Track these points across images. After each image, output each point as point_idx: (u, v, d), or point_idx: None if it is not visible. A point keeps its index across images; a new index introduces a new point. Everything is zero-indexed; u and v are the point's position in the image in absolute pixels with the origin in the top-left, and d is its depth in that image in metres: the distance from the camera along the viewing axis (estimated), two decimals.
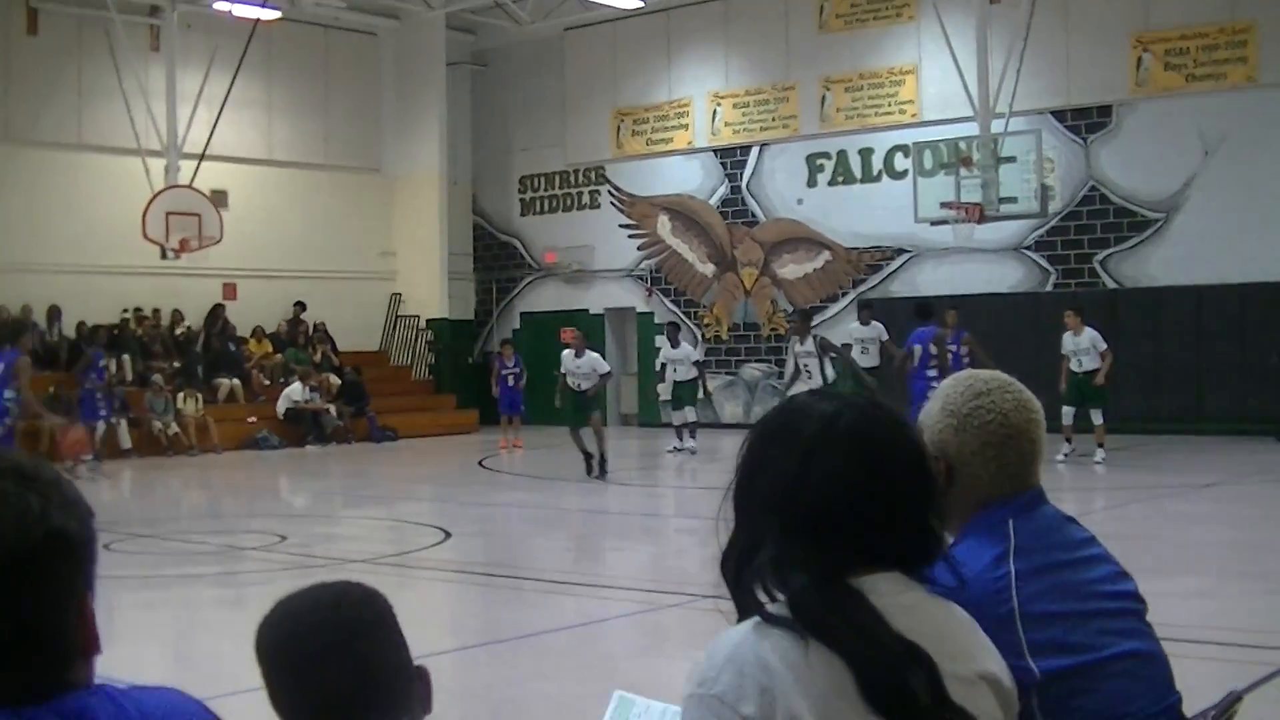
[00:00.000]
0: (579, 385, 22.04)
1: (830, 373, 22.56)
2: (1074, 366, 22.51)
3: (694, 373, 26.97)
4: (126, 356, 29.80)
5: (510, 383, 28.85)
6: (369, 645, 2.35)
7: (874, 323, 25.92)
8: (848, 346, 25.46)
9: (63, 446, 24.45)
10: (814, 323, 25.47)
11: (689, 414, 26.74)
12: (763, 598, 2.33)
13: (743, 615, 2.36)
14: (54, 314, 29.88)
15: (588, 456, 21.83)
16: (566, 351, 22.62)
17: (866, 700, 2.20)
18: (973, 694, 2.35)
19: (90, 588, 1.77)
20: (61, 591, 1.70)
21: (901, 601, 2.32)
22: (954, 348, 22.44)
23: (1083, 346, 22.53)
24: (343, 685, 2.31)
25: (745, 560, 2.37)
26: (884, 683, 2.21)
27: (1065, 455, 22.08)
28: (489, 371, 30.46)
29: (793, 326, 26.36)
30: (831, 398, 2.48)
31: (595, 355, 22.33)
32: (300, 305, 33.71)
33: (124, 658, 1.99)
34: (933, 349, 22.42)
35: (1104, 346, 22.50)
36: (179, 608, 12.67)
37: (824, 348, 22.77)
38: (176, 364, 30.46)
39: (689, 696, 2.29)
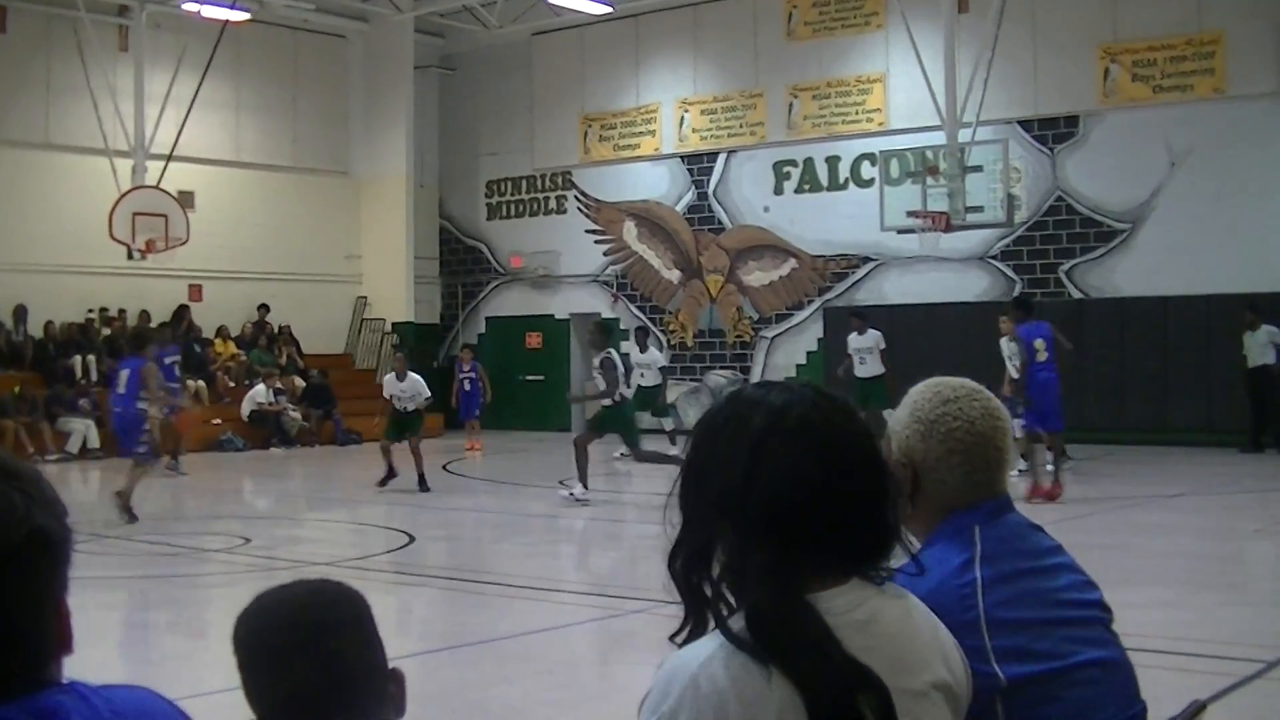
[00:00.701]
0: (405, 407, 22.22)
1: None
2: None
3: (660, 379, 26.90)
4: (92, 357, 29.66)
5: (467, 387, 29.00)
6: (341, 644, 2.35)
7: (871, 331, 25.38)
8: (848, 359, 25.27)
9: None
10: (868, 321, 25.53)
11: (665, 423, 26.82)
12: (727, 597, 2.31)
13: (692, 619, 2.34)
14: (20, 313, 29.74)
15: (390, 471, 21.67)
16: (389, 375, 23.01)
17: None
18: (924, 707, 2.34)
19: (65, 587, 1.77)
20: (40, 590, 1.71)
21: (856, 618, 2.29)
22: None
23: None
24: (312, 682, 2.31)
25: (695, 562, 2.33)
26: (834, 709, 2.18)
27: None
28: (450, 377, 30.43)
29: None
30: (780, 389, 2.41)
31: (417, 378, 22.41)
32: (265, 308, 33.63)
33: (85, 659, 1.98)
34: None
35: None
36: (141, 609, 12.62)
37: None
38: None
39: None
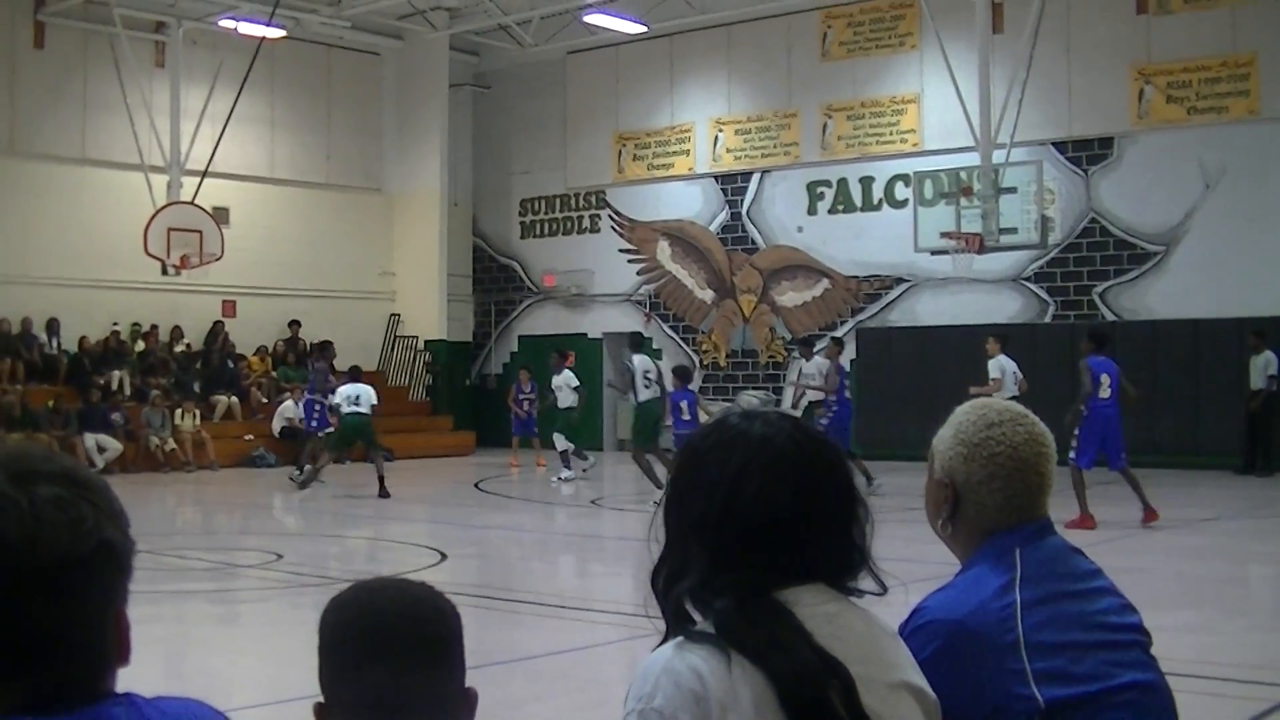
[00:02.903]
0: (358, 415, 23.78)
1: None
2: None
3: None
4: (119, 372, 29.74)
5: (525, 406, 29.13)
6: (422, 662, 2.33)
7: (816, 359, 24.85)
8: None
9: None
10: (815, 348, 25.33)
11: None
12: (695, 616, 2.40)
13: (671, 633, 2.42)
14: (53, 327, 29.89)
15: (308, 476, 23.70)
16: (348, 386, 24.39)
17: (787, 715, 2.25)
18: (895, 699, 2.41)
19: (126, 599, 1.78)
20: (104, 601, 1.73)
21: (825, 610, 2.39)
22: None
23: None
24: (383, 693, 2.30)
25: (673, 581, 2.45)
26: (803, 698, 2.26)
27: None
28: (505, 394, 30.47)
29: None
30: (761, 420, 2.52)
31: (368, 388, 24.20)
32: (296, 324, 33.70)
33: (120, 673, 2.01)
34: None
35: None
36: (174, 624, 12.65)
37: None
38: (174, 380, 30.45)
39: (629, 714, 2.34)
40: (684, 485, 2.51)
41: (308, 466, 25.03)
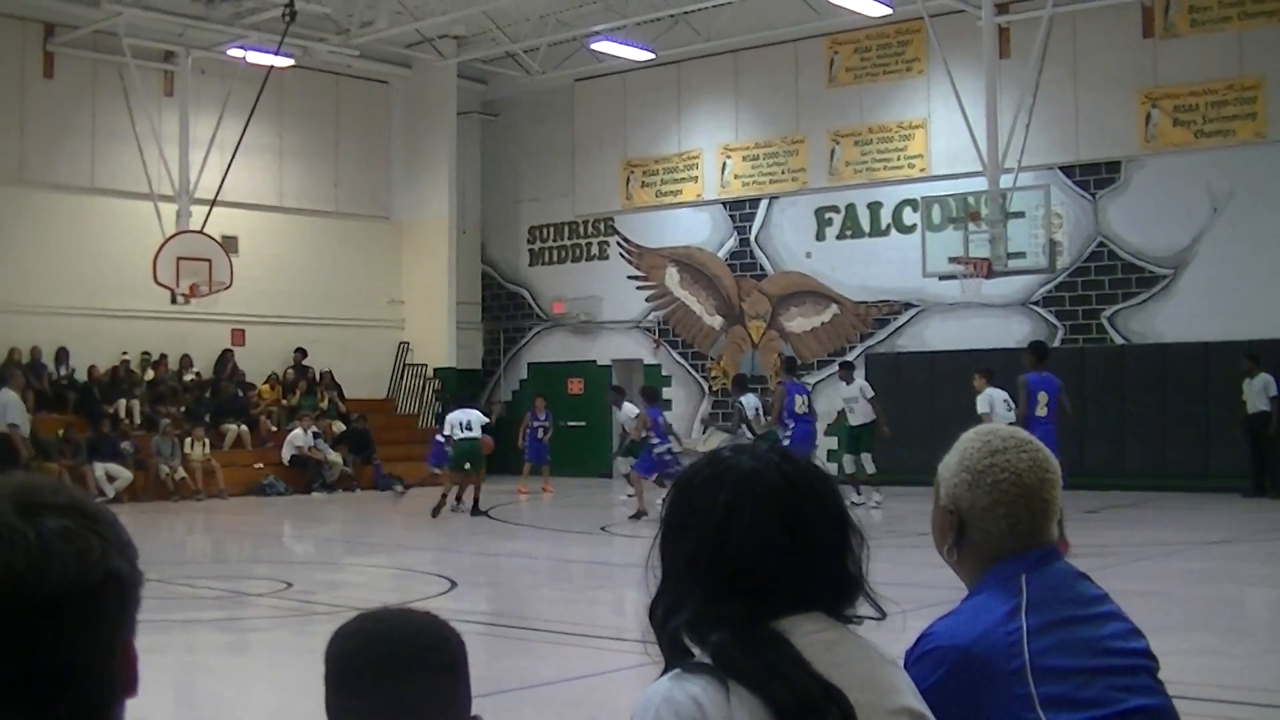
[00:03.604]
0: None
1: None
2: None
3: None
4: (129, 400, 29.78)
5: (540, 435, 29.48)
6: (426, 691, 2.34)
7: (857, 380, 26.16)
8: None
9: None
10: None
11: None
12: (693, 649, 2.40)
13: (669, 666, 2.43)
14: (61, 356, 29.94)
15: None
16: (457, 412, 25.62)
17: None
18: None
19: (134, 629, 1.79)
20: (111, 632, 1.72)
21: (824, 638, 2.39)
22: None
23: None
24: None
25: (669, 615, 2.46)
26: None
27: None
28: (518, 422, 30.59)
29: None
30: (751, 455, 2.53)
31: (477, 413, 25.75)
32: (301, 352, 33.70)
33: (130, 703, 2.02)
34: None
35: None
36: (183, 652, 12.64)
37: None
38: (184, 408, 30.48)
39: None
40: (676, 521, 2.52)
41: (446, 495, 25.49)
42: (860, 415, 25.49)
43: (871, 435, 25.35)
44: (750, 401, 25.28)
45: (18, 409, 22.80)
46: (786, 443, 21.94)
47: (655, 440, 24.20)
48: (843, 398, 26.15)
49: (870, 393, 25.56)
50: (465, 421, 25.06)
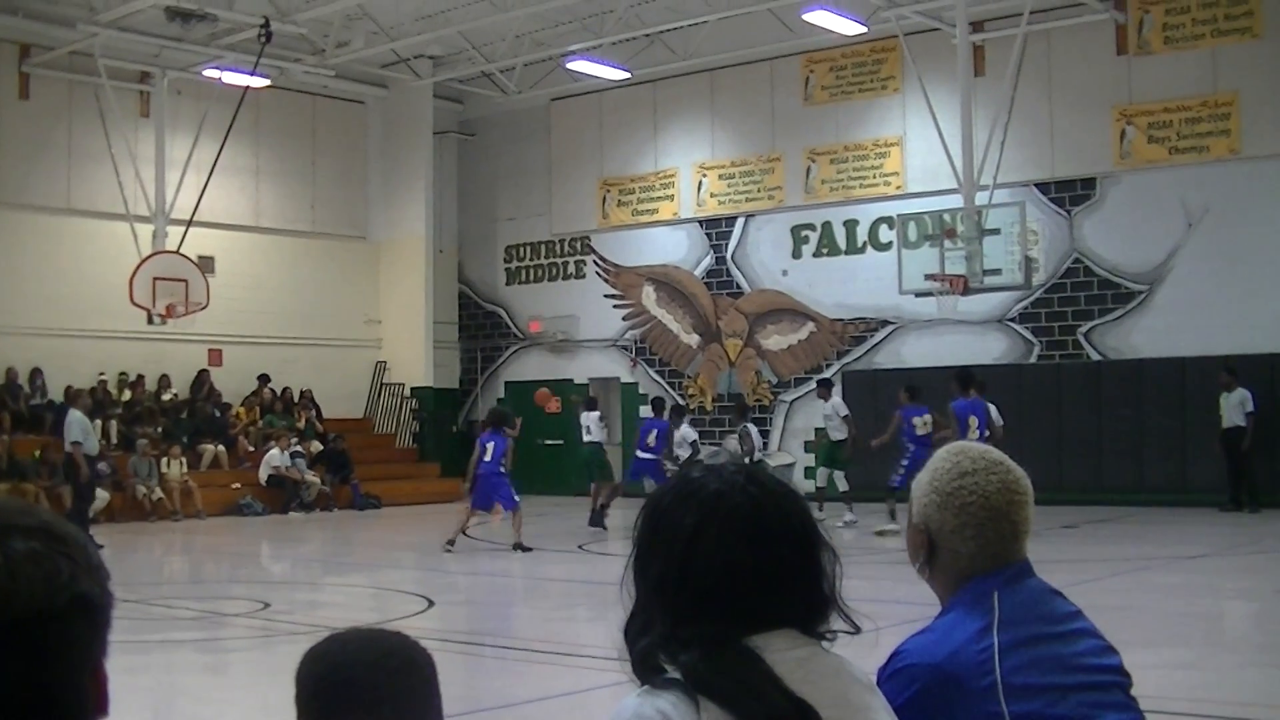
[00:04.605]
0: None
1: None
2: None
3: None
4: (104, 421, 29.68)
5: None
6: (398, 713, 2.34)
7: (834, 398, 26.16)
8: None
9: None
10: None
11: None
12: (666, 667, 2.39)
13: (643, 685, 2.41)
14: (36, 377, 29.84)
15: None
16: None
17: None
18: None
19: (105, 652, 1.78)
20: (80, 655, 1.71)
21: (796, 655, 2.38)
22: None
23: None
24: None
25: (641, 635, 2.45)
26: None
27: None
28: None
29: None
30: (717, 476, 2.51)
31: (593, 414, 26.22)
32: (265, 377, 33.49)
33: None
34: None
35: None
36: (161, 673, 12.60)
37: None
38: (161, 429, 30.40)
39: None
40: (645, 543, 2.51)
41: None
42: (837, 432, 25.57)
43: (841, 452, 25.45)
44: (753, 429, 25.91)
45: (81, 427, 22.94)
46: (904, 466, 22.25)
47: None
48: (823, 415, 26.29)
49: (844, 411, 25.60)
50: (587, 425, 26.02)
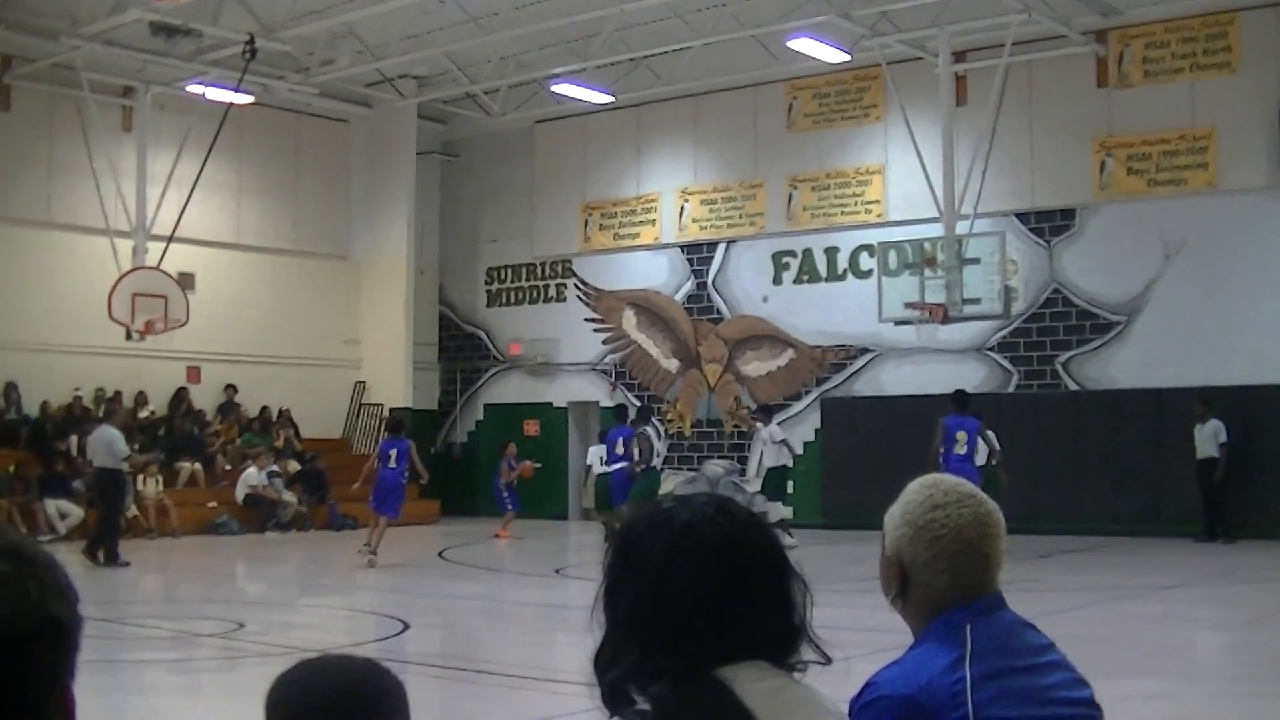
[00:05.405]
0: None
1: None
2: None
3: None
4: (80, 437, 29.54)
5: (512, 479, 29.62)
6: None
7: (774, 425, 26.80)
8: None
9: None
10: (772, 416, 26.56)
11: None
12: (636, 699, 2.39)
13: (612, 715, 2.42)
14: (12, 391, 29.70)
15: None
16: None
17: None
18: None
19: (73, 675, 1.76)
20: (48, 678, 1.69)
21: (766, 687, 2.38)
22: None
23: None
24: None
25: (611, 665, 2.45)
26: None
27: None
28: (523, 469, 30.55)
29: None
30: (686, 507, 2.51)
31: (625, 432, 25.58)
32: (232, 389, 33.39)
33: None
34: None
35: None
36: (133, 694, 12.55)
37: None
38: (137, 446, 30.28)
39: None
40: (616, 574, 2.51)
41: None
42: (775, 459, 25.73)
43: (782, 480, 26.03)
44: (653, 433, 25.49)
45: (121, 443, 23.04)
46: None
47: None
48: (760, 440, 26.48)
49: (780, 436, 25.88)
50: (599, 457, 25.93)
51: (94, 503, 24.45)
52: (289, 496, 30.84)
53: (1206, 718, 10.86)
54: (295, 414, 34.05)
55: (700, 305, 33.18)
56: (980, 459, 23.17)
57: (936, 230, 25.81)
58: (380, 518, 23.33)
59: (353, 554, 23.39)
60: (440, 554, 25.25)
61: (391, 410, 32.71)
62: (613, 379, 34.40)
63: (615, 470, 24.88)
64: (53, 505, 27.35)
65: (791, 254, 31.77)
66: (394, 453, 23.46)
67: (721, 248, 32.86)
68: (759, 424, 26.90)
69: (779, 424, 27.65)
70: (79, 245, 30.22)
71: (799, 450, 29.48)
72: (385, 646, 14.70)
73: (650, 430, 25.18)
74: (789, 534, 24.16)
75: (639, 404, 29.08)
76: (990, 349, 28.96)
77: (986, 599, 3.18)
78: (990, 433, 22.53)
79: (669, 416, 33.44)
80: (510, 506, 29.42)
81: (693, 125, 33.32)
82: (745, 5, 28.16)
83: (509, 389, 36.29)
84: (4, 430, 29.15)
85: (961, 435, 20.86)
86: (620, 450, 25.02)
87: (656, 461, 25.10)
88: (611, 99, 32.68)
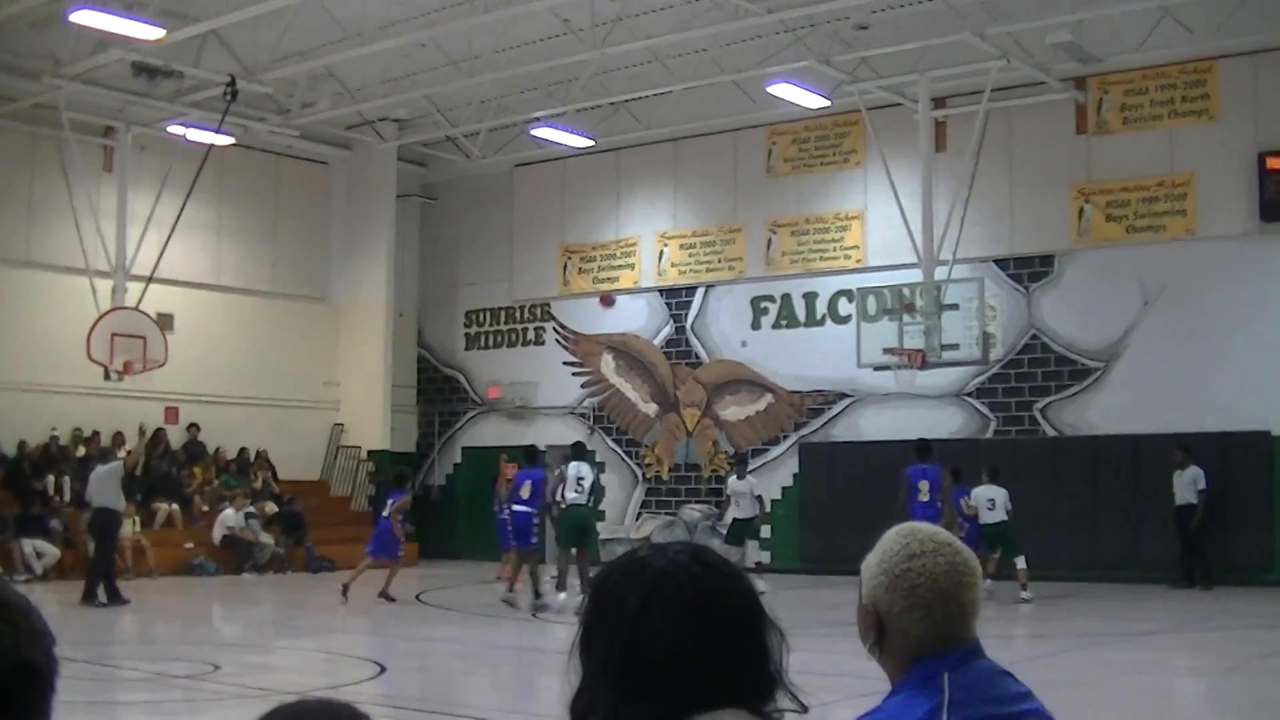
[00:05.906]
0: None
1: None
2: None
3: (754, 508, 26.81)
4: (66, 477, 29.49)
5: (506, 517, 28.73)
6: None
7: (749, 478, 26.71)
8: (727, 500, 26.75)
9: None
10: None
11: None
12: None
13: None
14: None
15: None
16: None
17: None
18: None
19: (49, 718, 1.75)
20: None
21: None
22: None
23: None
24: None
25: (587, 713, 2.44)
26: None
27: None
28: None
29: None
30: (661, 555, 2.51)
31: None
32: (195, 427, 33.27)
33: None
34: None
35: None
36: None
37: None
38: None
39: None
40: (591, 622, 2.51)
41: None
42: (743, 510, 25.78)
43: (748, 530, 26.11)
44: (572, 472, 23.55)
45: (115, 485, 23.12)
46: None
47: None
48: (733, 491, 26.34)
49: (746, 489, 25.94)
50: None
51: (92, 540, 24.25)
52: (266, 538, 30.75)
53: None
54: (273, 455, 33.97)
55: (679, 349, 33.20)
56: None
57: (915, 276, 25.89)
58: (379, 558, 24.56)
59: (329, 595, 23.26)
60: (418, 597, 25.16)
61: (395, 464, 32.54)
62: (591, 422, 34.37)
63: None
64: (29, 545, 27.23)
65: (770, 299, 31.82)
66: (390, 502, 24.18)
67: (700, 292, 32.90)
68: (730, 477, 26.98)
69: (751, 473, 27.56)
70: (58, 285, 30.18)
71: (776, 495, 29.55)
72: (362, 690, 14.63)
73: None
74: (759, 579, 24.18)
75: (575, 441, 28.01)
76: (968, 395, 29.01)
77: (963, 647, 3.17)
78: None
79: (647, 460, 33.42)
80: (514, 542, 28.48)
81: (672, 169, 33.40)
82: (725, 50, 28.28)
83: (487, 432, 36.23)
84: None
85: (924, 484, 21.36)
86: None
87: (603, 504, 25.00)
88: (591, 143, 32.75)
